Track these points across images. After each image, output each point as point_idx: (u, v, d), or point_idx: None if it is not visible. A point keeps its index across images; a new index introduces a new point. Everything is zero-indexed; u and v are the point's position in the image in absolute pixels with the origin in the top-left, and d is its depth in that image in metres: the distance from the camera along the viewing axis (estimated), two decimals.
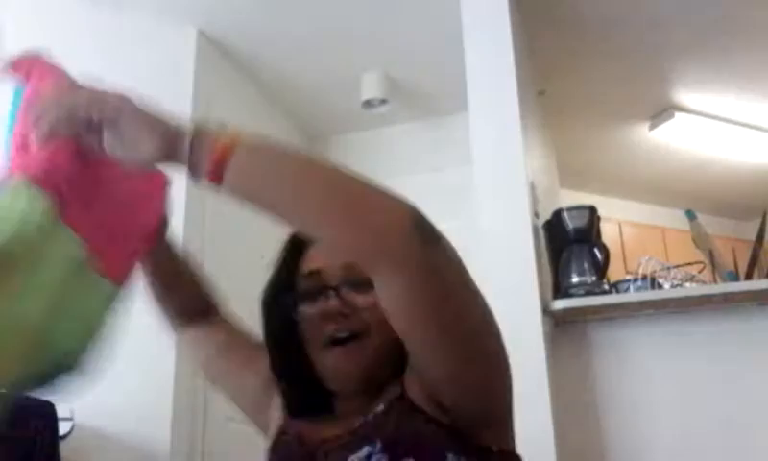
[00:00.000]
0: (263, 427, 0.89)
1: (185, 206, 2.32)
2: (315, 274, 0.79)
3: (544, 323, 1.90)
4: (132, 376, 1.95)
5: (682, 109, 3.72)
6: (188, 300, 0.94)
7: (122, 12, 2.56)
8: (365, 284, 0.73)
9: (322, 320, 0.76)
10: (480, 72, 2.23)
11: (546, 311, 1.95)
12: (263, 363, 0.84)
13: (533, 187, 2.15)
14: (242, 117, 3.03)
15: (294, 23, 2.75)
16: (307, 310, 0.78)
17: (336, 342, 0.75)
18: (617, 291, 2.09)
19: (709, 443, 1.82)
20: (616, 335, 1.98)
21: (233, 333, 0.96)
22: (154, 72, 2.52)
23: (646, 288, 2.04)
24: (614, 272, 2.36)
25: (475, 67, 2.24)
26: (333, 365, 0.76)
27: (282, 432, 0.81)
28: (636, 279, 2.06)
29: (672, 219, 4.60)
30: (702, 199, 4.69)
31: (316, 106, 3.39)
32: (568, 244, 2.11)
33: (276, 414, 0.85)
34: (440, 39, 2.79)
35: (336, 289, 0.76)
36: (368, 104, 3.11)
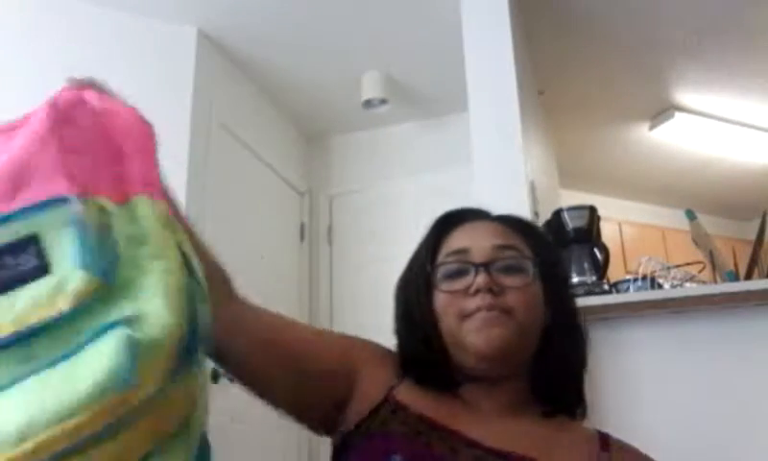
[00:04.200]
0: (338, 383, 0.78)
1: (185, 206, 2.32)
2: (462, 252, 0.77)
3: None
4: None
5: (682, 109, 3.72)
6: (215, 279, 0.76)
7: (122, 11, 2.56)
8: (513, 268, 0.75)
9: (467, 294, 0.74)
10: (480, 72, 2.23)
11: None
12: (331, 336, 0.83)
13: (533, 187, 2.15)
14: (242, 117, 3.03)
15: (294, 23, 2.75)
16: (450, 286, 0.76)
17: (481, 313, 0.72)
18: (617, 291, 2.08)
19: (709, 442, 1.81)
20: (616, 335, 1.98)
21: (268, 313, 0.83)
22: (154, 72, 2.52)
23: (646, 288, 2.04)
24: (614, 272, 2.36)
25: (475, 67, 2.24)
26: (471, 333, 0.72)
27: (400, 408, 0.74)
28: (635, 279, 2.06)
29: (672, 219, 4.60)
30: (702, 199, 4.70)
31: (316, 106, 3.39)
32: (568, 244, 2.10)
33: (369, 374, 0.78)
34: (440, 39, 2.79)
35: (486, 266, 0.74)
36: (368, 104, 3.12)
